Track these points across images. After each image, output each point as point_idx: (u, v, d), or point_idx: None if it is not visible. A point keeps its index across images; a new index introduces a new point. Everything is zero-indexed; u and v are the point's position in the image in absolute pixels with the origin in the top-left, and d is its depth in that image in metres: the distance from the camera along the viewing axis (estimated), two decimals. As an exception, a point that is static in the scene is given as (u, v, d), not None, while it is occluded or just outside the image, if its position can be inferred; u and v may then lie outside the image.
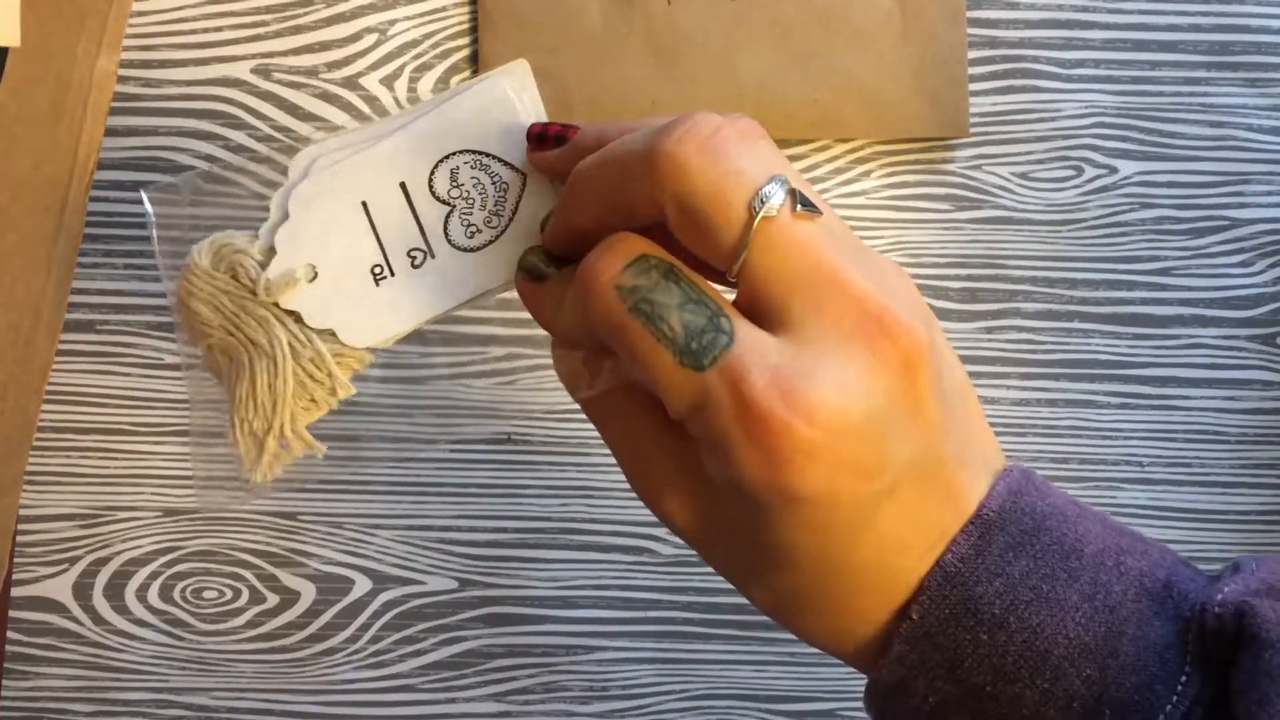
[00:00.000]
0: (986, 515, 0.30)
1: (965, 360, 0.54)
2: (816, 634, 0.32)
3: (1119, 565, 0.30)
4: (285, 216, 0.39)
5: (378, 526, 0.53)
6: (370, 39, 0.54)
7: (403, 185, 0.39)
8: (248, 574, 0.53)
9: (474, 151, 0.39)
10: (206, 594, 0.53)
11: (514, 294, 0.49)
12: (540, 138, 0.37)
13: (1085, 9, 0.55)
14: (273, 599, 0.53)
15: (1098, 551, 0.30)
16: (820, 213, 0.29)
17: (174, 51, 0.54)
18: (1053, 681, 0.29)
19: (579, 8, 0.53)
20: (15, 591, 0.53)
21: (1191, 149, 0.55)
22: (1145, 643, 0.29)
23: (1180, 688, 0.28)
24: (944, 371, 0.30)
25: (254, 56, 0.54)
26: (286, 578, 0.53)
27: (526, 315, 0.53)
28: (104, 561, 0.53)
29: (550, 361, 0.54)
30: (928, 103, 0.54)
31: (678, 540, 0.53)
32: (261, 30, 0.54)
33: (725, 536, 0.31)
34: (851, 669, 0.53)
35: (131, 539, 0.53)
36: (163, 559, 0.53)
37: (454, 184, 0.39)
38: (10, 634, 0.53)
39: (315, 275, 0.39)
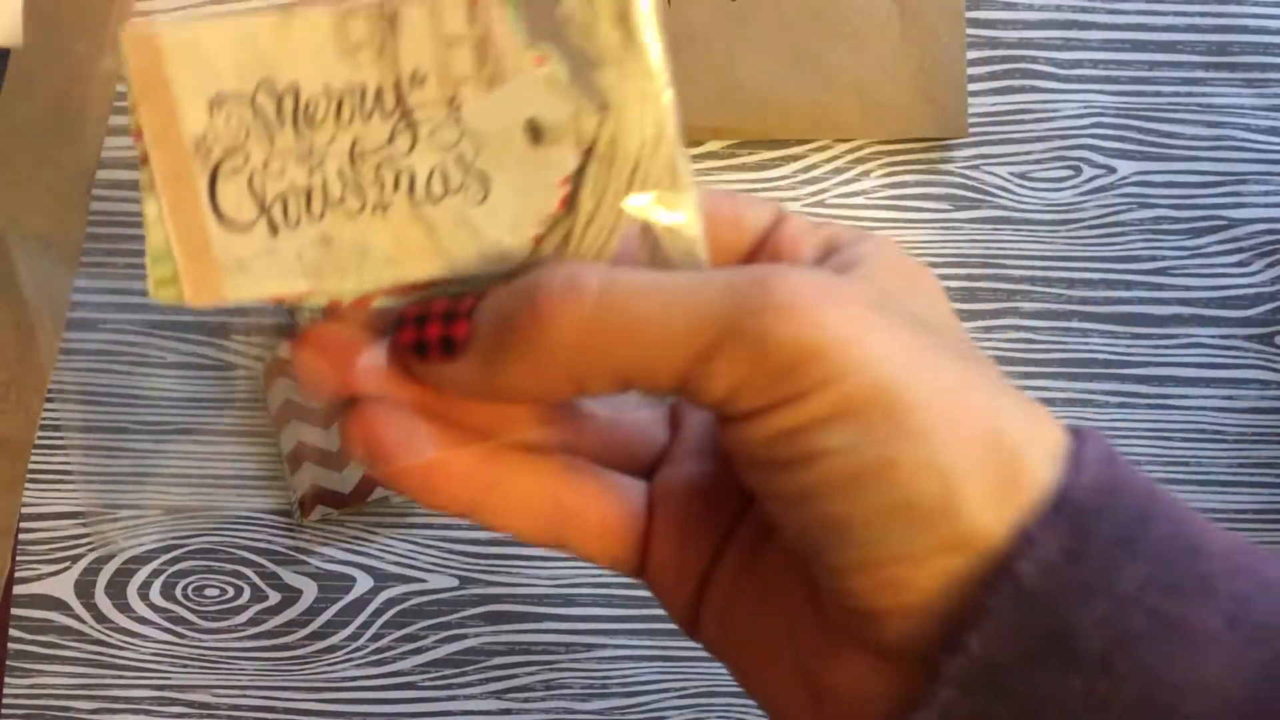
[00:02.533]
0: (1078, 498, 0.21)
1: (964, 359, 0.55)
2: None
3: (1256, 571, 0.21)
4: None
5: (379, 524, 0.53)
6: (371, 39, 0.54)
7: None
8: (249, 572, 0.53)
9: None
10: (208, 591, 0.53)
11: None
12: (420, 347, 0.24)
13: (1084, 9, 0.55)
14: (274, 597, 0.53)
15: (1226, 549, 0.21)
16: None
17: (176, 51, 0.54)
18: None
19: (579, 8, 0.53)
20: (17, 589, 0.53)
21: (1190, 149, 0.55)
22: None
23: None
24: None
25: (255, 56, 0.54)
26: (288, 575, 0.53)
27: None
28: (106, 559, 0.53)
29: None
30: (927, 103, 0.54)
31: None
32: (263, 30, 0.54)
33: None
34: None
35: (133, 537, 0.53)
36: (164, 557, 0.53)
37: None
38: (12, 631, 0.53)
39: None
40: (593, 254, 0.24)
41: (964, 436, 0.21)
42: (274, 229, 0.24)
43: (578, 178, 0.24)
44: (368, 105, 0.24)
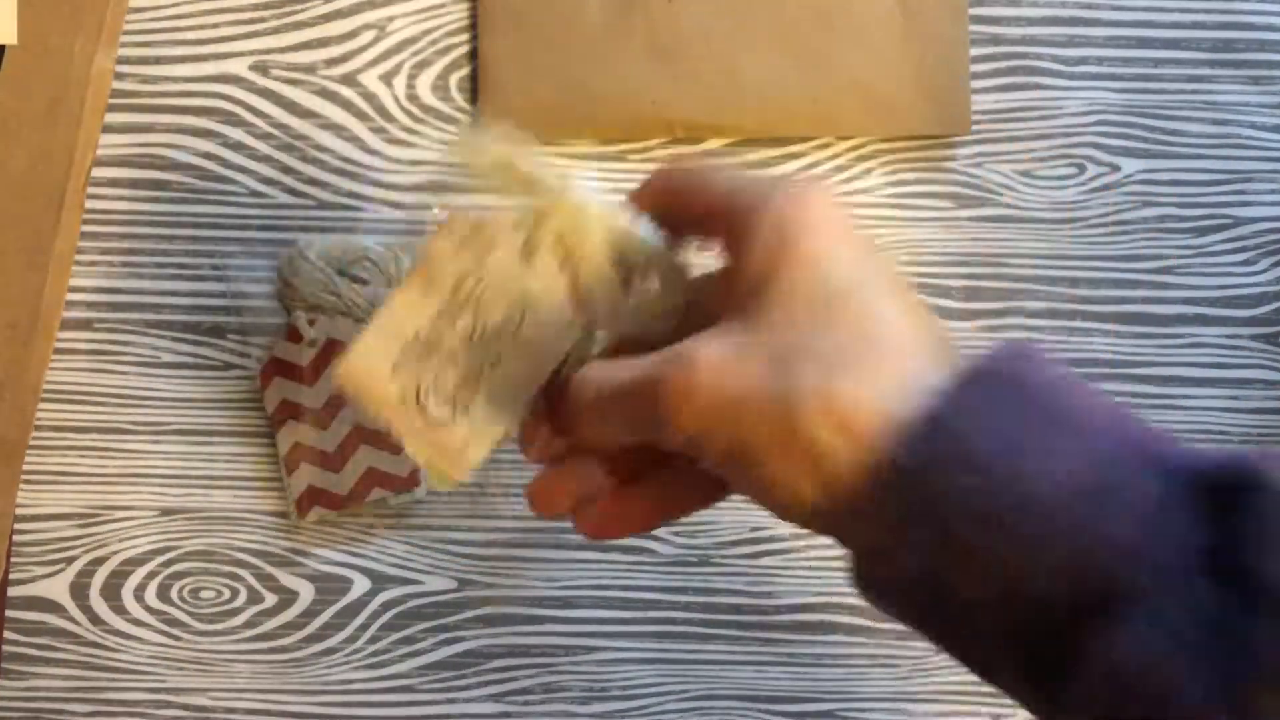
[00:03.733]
0: (980, 367, 0.30)
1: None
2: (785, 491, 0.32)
3: (1121, 428, 0.29)
4: None
5: (376, 526, 0.53)
6: (369, 35, 0.54)
7: None
8: (246, 574, 0.53)
9: None
10: (204, 594, 0.53)
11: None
12: None
13: (1088, 6, 0.55)
14: (271, 599, 0.53)
15: (1097, 413, 0.29)
16: None
17: (172, 48, 0.54)
18: (1039, 527, 0.27)
19: (579, 4, 0.53)
20: (12, 591, 0.52)
21: (1194, 147, 0.55)
22: (1141, 493, 0.27)
23: (1179, 536, 0.27)
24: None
25: (252, 53, 0.54)
26: (285, 577, 0.53)
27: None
28: (101, 561, 0.52)
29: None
30: (929, 100, 0.53)
31: (677, 540, 0.53)
32: (259, 27, 0.54)
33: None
34: (852, 670, 0.53)
35: (129, 538, 0.53)
36: (160, 558, 0.53)
37: None
38: (7, 634, 0.52)
39: None
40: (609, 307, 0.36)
41: (782, 438, 0.30)
42: (463, 409, 0.37)
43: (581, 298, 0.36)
44: (481, 326, 0.37)
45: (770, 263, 0.32)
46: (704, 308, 0.33)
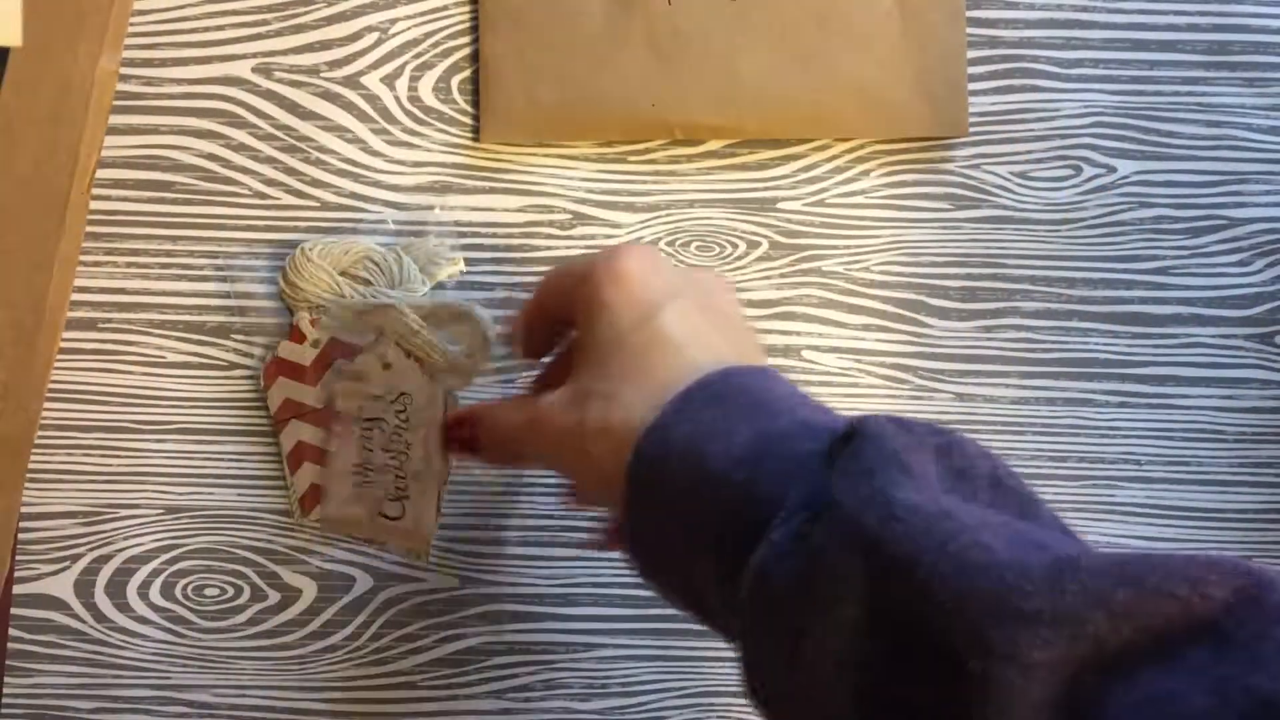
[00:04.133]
0: (690, 385, 0.39)
1: (965, 359, 0.55)
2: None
3: (794, 411, 0.38)
4: None
5: (379, 524, 0.53)
6: (371, 38, 0.54)
7: None
8: (249, 571, 0.53)
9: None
10: (208, 591, 0.53)
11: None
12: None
13: (1084, 9, 0.55)
14: (274, 596, 0.53)
15: (780, 403, 0.38)
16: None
17: (175, 50, 0.54)
18: (715, 488, 0.36)
19: (579, 7, 0.53)
20: (17, 589, 0.53)
21: (1190, 148, 0.55)
22: (792, 452, 0.36)
23: (806, 481, 0.35)
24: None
25: (255, 55, 0.54)
26: (288, 575, 0.53)
27: (527, 314, 0.53)
28: (106, 559, 0.53)
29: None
30: (927, 102, 0.54)
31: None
32: (262, 29, 0.54)
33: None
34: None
35: (133, 536, 0.53)
36: (164, 556, 0.53)
37: None
38: (12, 631, 0.53)
39: None
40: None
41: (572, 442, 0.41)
42: (405, 499, 0.51)
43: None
44: (388, 434, 0.50)
45: (587, 322, 0.42)
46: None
